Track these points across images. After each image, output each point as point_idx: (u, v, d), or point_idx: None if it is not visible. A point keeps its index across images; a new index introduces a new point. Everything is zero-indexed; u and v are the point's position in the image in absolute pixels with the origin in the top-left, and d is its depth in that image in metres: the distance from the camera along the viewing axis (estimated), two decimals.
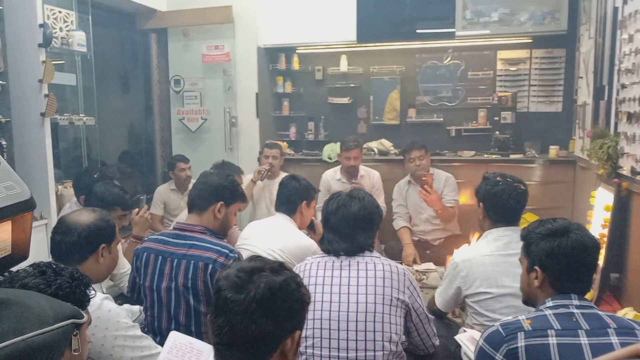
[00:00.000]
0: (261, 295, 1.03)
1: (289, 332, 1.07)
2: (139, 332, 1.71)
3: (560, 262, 1.41)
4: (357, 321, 1.70)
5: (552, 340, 1.28)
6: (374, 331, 1.70)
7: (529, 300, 1.54)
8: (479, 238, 2.37)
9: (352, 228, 1.86)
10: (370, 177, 3.96)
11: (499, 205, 2.08)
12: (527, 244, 1.49)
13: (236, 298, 1.03)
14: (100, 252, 1.77)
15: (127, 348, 1.64)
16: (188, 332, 1.92)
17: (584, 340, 1.28)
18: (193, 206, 2.12)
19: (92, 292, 1.29)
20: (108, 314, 1.62)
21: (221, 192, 2.12)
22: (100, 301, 1.59)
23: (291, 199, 2.58)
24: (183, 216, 2.46)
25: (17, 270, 1.24)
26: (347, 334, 1.69)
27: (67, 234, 1.73)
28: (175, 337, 1.69)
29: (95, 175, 3.01)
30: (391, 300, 1.74)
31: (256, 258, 1.14)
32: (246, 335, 1.03)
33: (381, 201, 3.79)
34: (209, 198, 2.09)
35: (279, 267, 1.11)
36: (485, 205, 2.13)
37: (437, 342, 1.92)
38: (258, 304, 1.03)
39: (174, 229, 2.10)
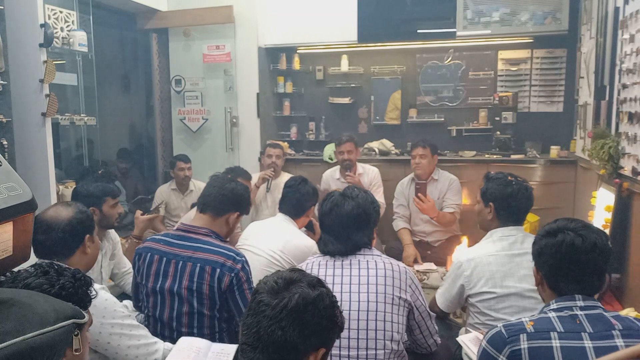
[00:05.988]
0: (294, 304, 1.07)
1: (314, 348, 1.09)
2: (135, 322, 1.71)
3: (547, 261, 1.41)
4: (358, 319, 1.70)
5: (555, 343, 1.27)
6: (376, 329, 1.69)
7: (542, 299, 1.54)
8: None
9: (346, 228, 1.84)
10: (368, 174, 3.95)
11: (513, 205, 2.05)
12: (533, 244, 1.50)
13: (269, 302, 1.08)
14: (86, 243, 1.77)
15: (124, 336, 1.65)
16: (190, 334, 1.91)
17: (587, 343, 1.27)
18: (208, 208, 2.06)
19: (94, 292, 1.30)
20: (104, 302, 1.64)
21: (242, 203, 2.11)
22: (96, 291, 1.59)
23: (305, 204, 2.61)
24: (190, 216, 2.41)
25: (19, 270, 1.24)
26: (349, 332, 1.69)
27: (50, 232, 1.70)
28: (180, 341, 1.70)
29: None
30: (393, 299, 1.74)
31: (297, 270, 1.18)
32: (271, 340, 1.05)
33: (379, 196, 3.78)
34: (229, 206, 2.06)
35: (317, 283, 1.14)
36: (496, 206, 2.08)
37: (438, 340, 1.92)
38: (289, 312, 1.06)
39: (178, 229, 2.06)
